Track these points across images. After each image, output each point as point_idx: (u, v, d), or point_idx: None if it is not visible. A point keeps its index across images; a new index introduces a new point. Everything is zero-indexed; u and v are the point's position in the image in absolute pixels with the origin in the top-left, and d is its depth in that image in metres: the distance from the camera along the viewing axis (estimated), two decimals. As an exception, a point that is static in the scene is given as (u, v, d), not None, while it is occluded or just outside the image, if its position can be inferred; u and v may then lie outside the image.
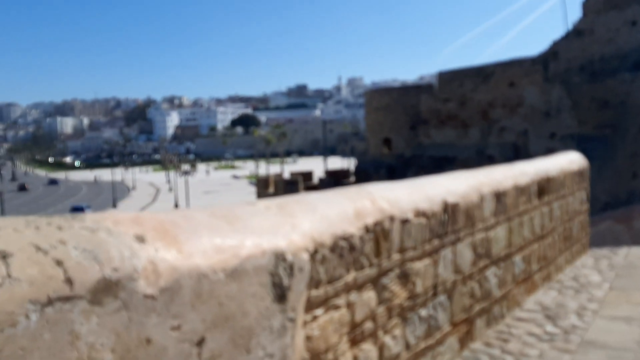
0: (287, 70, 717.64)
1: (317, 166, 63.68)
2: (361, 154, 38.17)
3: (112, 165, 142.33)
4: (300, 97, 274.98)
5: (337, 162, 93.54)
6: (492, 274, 4.36)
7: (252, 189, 56.96)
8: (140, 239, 1.62)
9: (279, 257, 2.07)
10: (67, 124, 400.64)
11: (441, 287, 3.54)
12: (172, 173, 72.63)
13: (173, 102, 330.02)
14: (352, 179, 33.69)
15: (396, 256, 3.02)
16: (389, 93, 32.77)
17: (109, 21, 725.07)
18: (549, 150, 27.23)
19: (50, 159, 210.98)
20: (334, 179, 34.30)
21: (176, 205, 58.17)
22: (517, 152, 31.46)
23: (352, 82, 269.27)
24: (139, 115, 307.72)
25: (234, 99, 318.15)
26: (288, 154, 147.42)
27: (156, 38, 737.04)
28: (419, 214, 3.26)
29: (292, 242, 2.18)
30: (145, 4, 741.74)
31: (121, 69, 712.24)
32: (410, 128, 32.08)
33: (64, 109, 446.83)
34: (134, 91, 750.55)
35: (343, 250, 2.53)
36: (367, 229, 2.74)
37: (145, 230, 1.69)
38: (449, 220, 3.65)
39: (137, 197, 73.15)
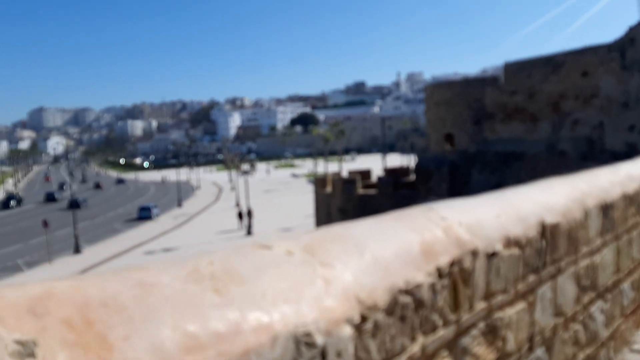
0: (345, 67, 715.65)
1: (375, 164, 62.54)
2: (422, 150, 36.86)
3: (178, 165, 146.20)
4: (358, 95, 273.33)
5: (396, 160, 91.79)
6: (598, 309, 3.42)
7: (311, 188, 56.50)
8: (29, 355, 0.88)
9: (301, 340, 1.27)
10: (137, 127, 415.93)
11: (539, 338, 2.66)
12: (233, 173, 73.37)
13: (235, 103, 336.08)
14: (412, 177, 32.45)
15: (480, 305, 2.18)
16: (450, 87, 31.28)
17: (174, 26, 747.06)
18: (628, 145, 25.18)
19: (122, 161, 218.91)
20: (393, 177, 33.16)
21: (237, 205, 58.59)
22: (592, 147, 29.39)
23: (411, 77, 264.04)
24: (204, 117, 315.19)
25: (293, 99, 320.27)
26: (346, 151, 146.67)
27: (219, 41, 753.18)
28: (510, 242, 2.39)
29: (325, 311, 1.38)
30: (207, 9, 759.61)
31: (186, 72, 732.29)
32: (474, 123, 30.53)
33: (134, 112, 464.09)
34: (199, 94, 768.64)
35: (406, 309, 1.71)
36: (440, 273, 1.91)
37: (45, 329, 0.95)
38: (548, 247, 2.75)
39: (201, 196, 74.34)
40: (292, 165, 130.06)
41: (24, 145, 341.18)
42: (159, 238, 41.57)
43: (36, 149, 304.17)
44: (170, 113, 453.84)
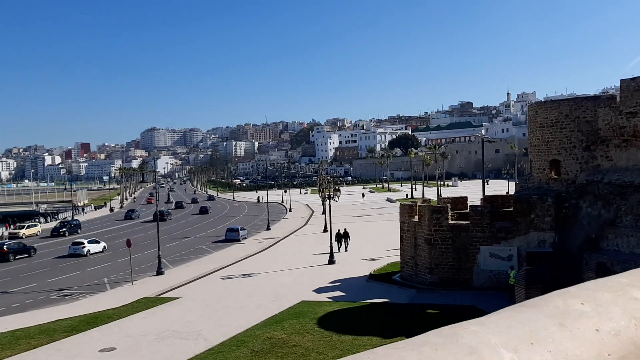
0: (450, 87, 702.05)
1: (477, 191, 58.37)
2: (523, 178, 33.06)
3: (276, 186, 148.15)
4: (463, 116, 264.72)
5: (501, 187, 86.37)
6: None
7: (404, 214, 53.48)
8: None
9: None
10: (240, 147, 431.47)
11: None
12: (320, 196, 71.85)
13: (336, 125, 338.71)
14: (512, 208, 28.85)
15: None
16: (557, 106, 27.56)
17: (279, 51, 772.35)
18: None
19: (222, 180, 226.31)
20: (490, 207, 29.79)
21: (325, 230, 56.81)
22: None
23: (522, 98, 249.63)
24: (303, 138, 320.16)
25: (393, 120, 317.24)
26: (448, 176, 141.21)
27: (322, 64, 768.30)
28: None
29: None
30: (311, 35, 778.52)
31: (289, 94, 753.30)
32: (585, 148, 26.63)
33: (238, 133, 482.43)
34: (301, 115, 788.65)
35: None
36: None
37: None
38: None
39: (292, 218, 73.56)
40: (388, 189, 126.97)
41: (136, 163, 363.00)
42: (242, 262, 40.59)
43: (146, 168, 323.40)
44: (272, 134, 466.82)
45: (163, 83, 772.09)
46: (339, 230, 44.49)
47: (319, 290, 29.43)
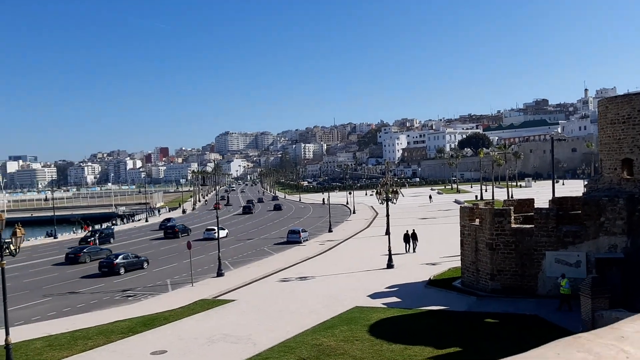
0: (524, 84, 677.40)
1: (550, 191, 55.56)
2: (593, 179, 30.91)
3: (338, 188, 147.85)
4: (538, 113, 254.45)
5: (578, 187, 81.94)
6: None
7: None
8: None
9: None
10: (308, 150, 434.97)
11: None
12: (380, 198, 70.65)
13: (405, 125, 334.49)
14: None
15: None
16: (629, 101, 25.43)
17: (345, 52, 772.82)
18: None
19: (290, 182, 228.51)
20: (558, 209, 27.97)
21: (387, 233, 55.71)
22: None
23: (601, 94, 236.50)
24: (371, 139, 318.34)
25: (464, 119, 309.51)
26: (522, 176, 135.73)
27: (391, 64, 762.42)
28: None
29: None
30: (376, 34, 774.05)
31: (358, 96, 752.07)
32: (663, 146, 24.46)
33: (307, 135, 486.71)
34: (369, 116, 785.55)
35: None
36: None
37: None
38: None
39: (355, 220, 72.88)
40: (457, 191, 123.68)
41: (211, 167, 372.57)
42: (300, 264, 40.41)
43: (219, 171, 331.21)
44: (340, 136, 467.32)
45: (237, 89, 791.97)
46: (407, 231, 44.74)
47: (374, 296, 28.66)
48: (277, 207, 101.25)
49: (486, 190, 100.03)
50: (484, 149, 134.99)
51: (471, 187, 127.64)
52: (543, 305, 24.19)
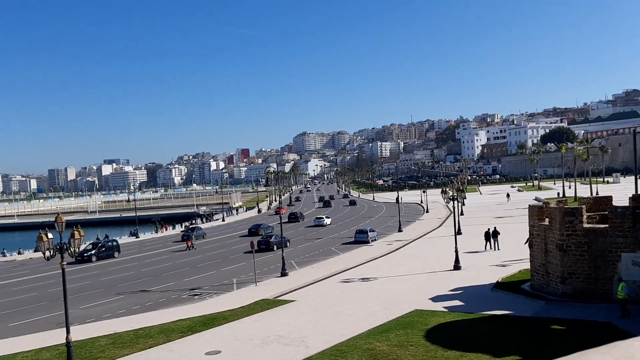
0: (613, 75, 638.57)
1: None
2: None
3: (417, 186, 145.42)
4: (629, 105, 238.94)
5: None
6: None
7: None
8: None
9: None
10: (385, 148, 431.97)
11: None
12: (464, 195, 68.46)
13: (485, 121, 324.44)
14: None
15: None
16: None
17: (422, 48, 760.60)
18: None
19: (366, 181, 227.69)
20: (635, 208, 25.81)
21: (458, 232, 54.00)
22: None
23: None
24: (449, 136, 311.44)
25: (548, 113, 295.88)
26: (610, 172, 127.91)
27: (469, 58, 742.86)
28: None
29: None
30: (455, 29, 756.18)
31: (435, 91, 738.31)
32: None
33: (384, 134, 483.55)
34: (448, 112, 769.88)
35: None
36: None
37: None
38: None
39: (427, 220, 71.31)
40: (539, 188, 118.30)
41: (289, 167, 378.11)
42: (364, 265, 39.89)
43: (297, 170, 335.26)
44: (418, 133, 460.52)
45: (314, 90, 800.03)
46: (488, 229, 44.35)
47: (436, 299, 27.68)
48: (352, 203, 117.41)
49: (569, 187, 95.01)
50: (568, 143, 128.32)
51: (554, 184, 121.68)
52: (617, 311, 22.37)
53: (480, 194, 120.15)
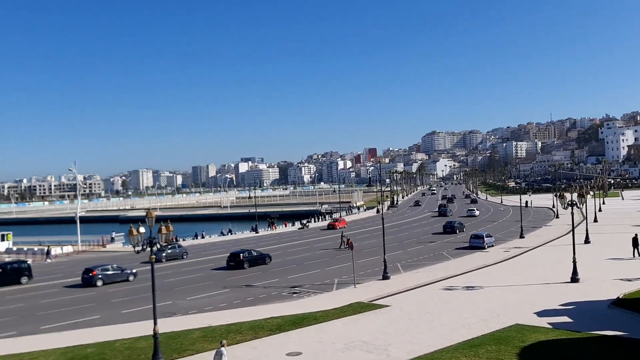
0: None
1: None
2: None
3: (552, 189, 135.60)
4: None
5: None
6: None
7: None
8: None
9: None
10: (520, 148, 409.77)
11: None
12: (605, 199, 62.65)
13: (634, 119, 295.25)
14: None
15: None
16: None
17: (562, 39, 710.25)
18: None
19: (497, 182, 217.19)
20: None
21: (587, 241, 49.26)
22: None
23: None
24: (592, 136, 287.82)
25: None
26: None
27: (614, 50, 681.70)
28: None
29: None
30: (601, 23, 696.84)
31: (578, 87, 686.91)
32: None
33: (519, 133, 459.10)
34: (592, 110, 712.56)
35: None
36: None
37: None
38: None
39: (556, 226, 66.20)
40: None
41: (416, 167, 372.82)
42: (473, 272, 37.67)
43: (424, 170, 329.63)
44: (557, 132, 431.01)
45: (444, 88, 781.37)
46: (635, 234, 41.92)
47: (542, 313, 25.21)
48: (474, 201, 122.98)
49: None
50: None
51: None
52: None
53: (622, 199, 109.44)
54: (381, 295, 31.10)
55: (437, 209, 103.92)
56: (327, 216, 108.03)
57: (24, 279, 43.27)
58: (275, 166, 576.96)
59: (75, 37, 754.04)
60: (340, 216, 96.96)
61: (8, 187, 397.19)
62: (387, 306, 28.58)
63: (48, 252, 61.50)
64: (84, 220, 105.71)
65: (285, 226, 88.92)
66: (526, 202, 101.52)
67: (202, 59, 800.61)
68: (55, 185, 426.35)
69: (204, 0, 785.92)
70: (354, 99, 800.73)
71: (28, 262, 46.57)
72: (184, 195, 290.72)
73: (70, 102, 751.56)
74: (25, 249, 70.14)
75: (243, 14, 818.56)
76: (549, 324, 23.42)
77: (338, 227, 77.36)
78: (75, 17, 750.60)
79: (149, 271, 22.40)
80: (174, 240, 69.25)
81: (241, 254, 46.06)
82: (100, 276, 40.18)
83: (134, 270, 42.60)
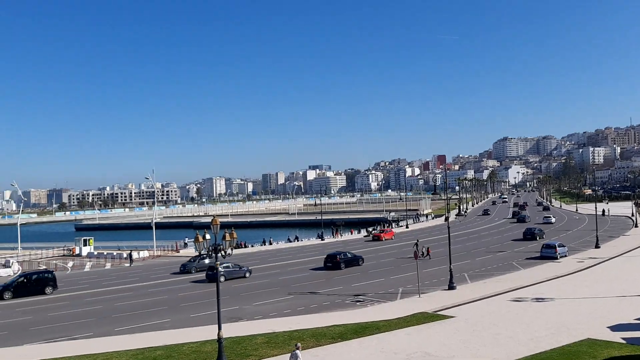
0: None
1: None
2: None
3: (632, 197, 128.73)
4: None
5: None
6: None
7: None
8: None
9: None
10: (598, 154, 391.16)
11: None
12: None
13: None
14: None
15: None
16: None
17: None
18: None
19: (573, 190, 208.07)
20: None
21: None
22: None
23: None
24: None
25: None
26: None
27: None
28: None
29: None
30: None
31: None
32: None
33: (597, 138, 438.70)
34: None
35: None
36: None
37: None
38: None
39: (635, 235, 62.76)
40: None
41: (487, 174, 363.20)
42: (544, 283, 36.33)
43: (495, 177, 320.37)
44: (638, 138, 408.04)
45: (517, 93, 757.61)
46: None
47: (616, 328, 23.99)
48: (546, 208, 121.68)
49: None
50: None
51: None
52: None
53: None
54: (446, 306, 30.58)
55: (511, 216, 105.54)
56: (392, 224, 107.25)
57: (48, 289, 42.62)
58: (342, 173, 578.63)
59: (159, 46, 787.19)
60: (391, 226, 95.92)
61: (92, 195, 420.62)
62: (452, 317, 28.07)
63: (130, 257, 64.70)
64: (160, 226, 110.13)
65: (351, 233, 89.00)
66: (603, 210, 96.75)
67: (277, 68, 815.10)
68: (135, 193, 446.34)
69: (291, 9, 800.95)
70: (423, 106, 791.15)
71: (53, 272, 46.03)
72: (254, 202, 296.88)
73: (150, 112, 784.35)
74: (105, 253, 74.06)
75: (318, 22, 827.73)
76: (623, 338, 22.28)
77: (384, 239, 74.23)
78: (167, 24, 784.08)
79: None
80: (242, 245, 70.92)
81: (338, 256, 49.96)
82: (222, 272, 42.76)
83: (250, 268, 48.18)
